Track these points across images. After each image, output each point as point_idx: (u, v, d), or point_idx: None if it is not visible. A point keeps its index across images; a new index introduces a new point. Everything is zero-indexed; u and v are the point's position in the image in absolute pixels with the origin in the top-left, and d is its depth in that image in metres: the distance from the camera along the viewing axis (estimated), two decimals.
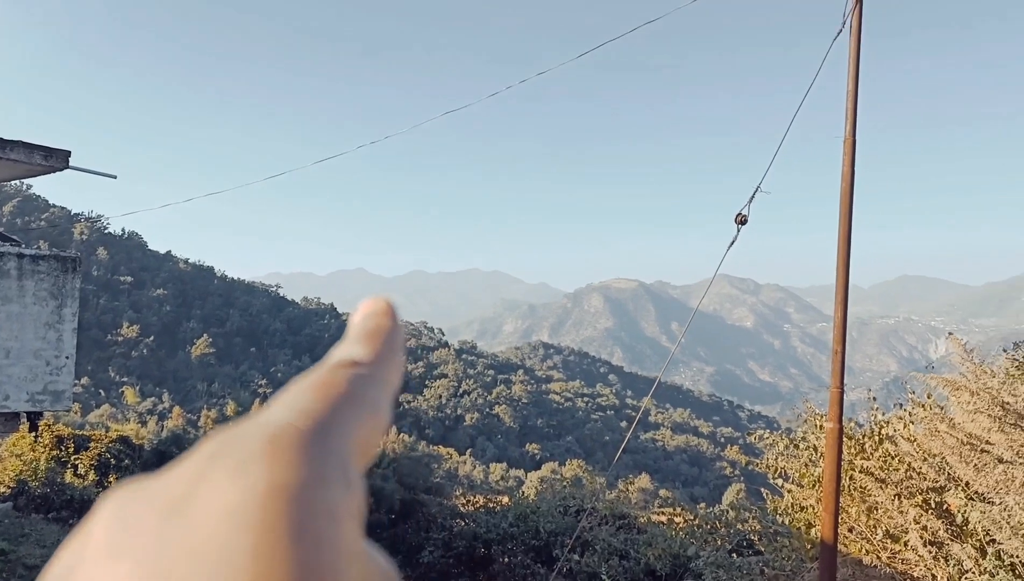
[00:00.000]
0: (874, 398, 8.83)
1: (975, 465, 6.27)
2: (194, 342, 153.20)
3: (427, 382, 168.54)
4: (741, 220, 8.42)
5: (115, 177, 17.60)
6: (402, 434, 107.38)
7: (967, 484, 6.39)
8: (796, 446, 8.60)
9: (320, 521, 0.37)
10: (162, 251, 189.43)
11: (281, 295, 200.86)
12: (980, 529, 5.85)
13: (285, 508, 0.37)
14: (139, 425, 55.27)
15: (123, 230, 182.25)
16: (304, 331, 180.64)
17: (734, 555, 8.97)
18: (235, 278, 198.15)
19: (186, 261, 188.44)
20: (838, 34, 9.01)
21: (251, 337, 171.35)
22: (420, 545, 12.88)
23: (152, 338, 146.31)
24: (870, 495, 7.11)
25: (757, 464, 9.14)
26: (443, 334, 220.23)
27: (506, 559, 12.54)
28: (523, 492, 16.23)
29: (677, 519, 12.57)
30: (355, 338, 0.45)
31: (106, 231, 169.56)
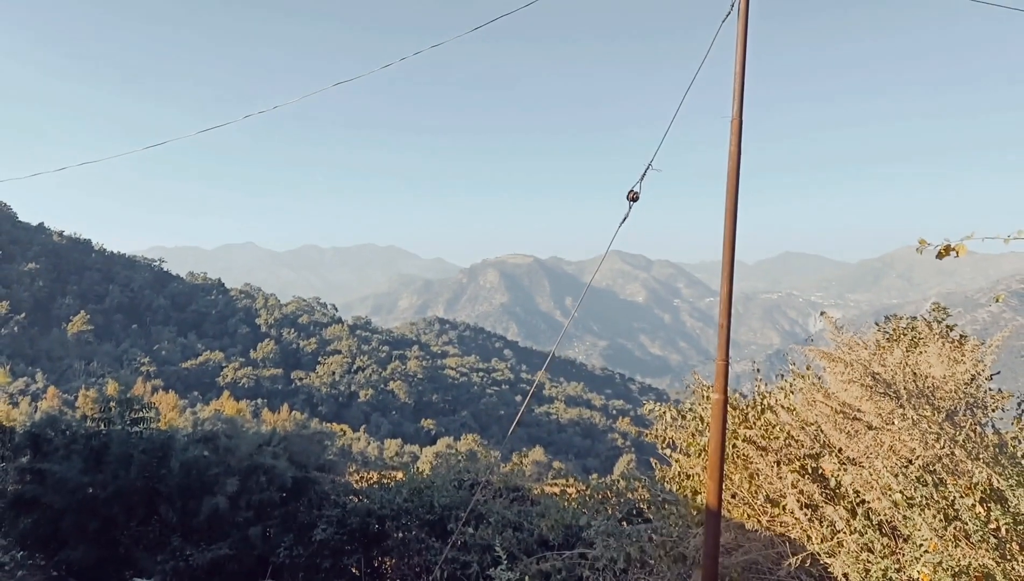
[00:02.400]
0: (758, 370, 9.14)
1: (848, 432, 6.63)
2: (70, 319, 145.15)
3: (320, 359, 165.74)
4: (633, 197, 8.53)
5: None
6: (294, 411, 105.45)
7: (840, 450, 6.75)
8: (683, 417, 8.86)
9: None
10: (34, 223, 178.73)
11: (165, 270, 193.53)
12: (851, 491, 6.18)
13: None
14: (10, 406, 52.17)
15: None
16: (190, 307, 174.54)
17: (624, 523, 9.19)
18: (114, 252, 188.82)
19: (60, 234, 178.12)
20: (727, 16, 9.25)
21: (132, 313, 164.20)
22: (313, 523, 12.68)
23: (24, 315, 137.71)
24: (752, 462, 7.41)
25: (647, 435, 9.38)
26: (336, 310, 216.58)
27: (400, 534, 12.51)
28: (418, 467, 16.14)
29: (570, 490, 12.81)
30: None
31: None
